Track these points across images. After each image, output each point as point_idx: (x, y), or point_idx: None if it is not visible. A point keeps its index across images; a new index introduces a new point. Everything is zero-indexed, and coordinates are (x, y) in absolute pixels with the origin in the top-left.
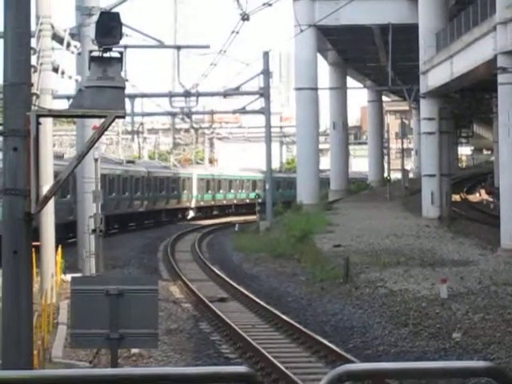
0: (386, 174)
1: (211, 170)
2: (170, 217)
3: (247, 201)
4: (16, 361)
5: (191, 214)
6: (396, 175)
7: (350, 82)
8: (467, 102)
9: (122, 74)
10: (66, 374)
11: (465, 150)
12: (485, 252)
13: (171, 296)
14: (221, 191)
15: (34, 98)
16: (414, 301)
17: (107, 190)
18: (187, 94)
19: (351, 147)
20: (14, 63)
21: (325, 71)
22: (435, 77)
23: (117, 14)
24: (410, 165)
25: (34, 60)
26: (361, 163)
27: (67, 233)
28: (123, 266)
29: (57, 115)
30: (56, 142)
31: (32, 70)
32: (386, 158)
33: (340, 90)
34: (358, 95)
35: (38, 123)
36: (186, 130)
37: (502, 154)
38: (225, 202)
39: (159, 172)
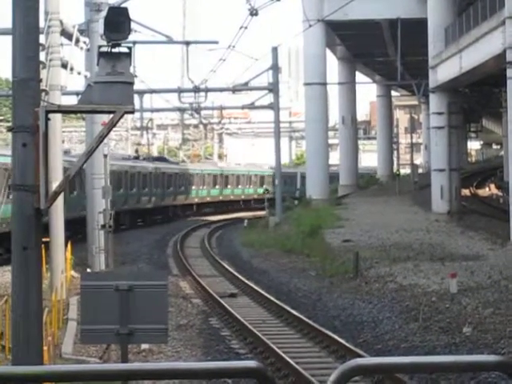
0: (395, 169)
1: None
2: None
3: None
4: (26, 357)
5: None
6: (405, 170)
7: (359, 76)
8: (476, 97)
9: (131, 69)
10: (77, 370)
11: (474, 145)
12: (494, 246)
13: (181, 291)
14: (228, 186)
15: (43, 94)
16: (423, 295)
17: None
18: (196, 90)
19: (360, 142)
20: (22, 59)
21: (334, 66)
22: (444, 71)
23: (125, 10)
24: (419, 159)
25: (42, 56)
26: (370, 158)
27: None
28: (133, 262)
29: (66, 111)
30: (65, 139)
31: (41, 66)
32: (395, 152)
33: (349, 85)
34: (367, 90)
35: (47, 119)
36: (195, 126)
37: (511, 148)
38: (232, 198)
39: (167, 168)
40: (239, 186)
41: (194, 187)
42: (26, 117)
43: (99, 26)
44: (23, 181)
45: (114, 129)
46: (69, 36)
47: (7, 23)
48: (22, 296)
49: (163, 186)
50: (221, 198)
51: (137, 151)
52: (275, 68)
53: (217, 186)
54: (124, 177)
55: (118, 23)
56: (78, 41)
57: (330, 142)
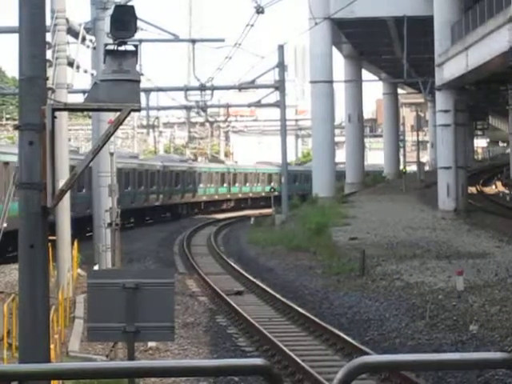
0: (401, 167)
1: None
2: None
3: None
4: (33, 355)
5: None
6: (412, 168)
7: (365, 74)
8: (483, 94)
9: (137, 67)
10: (83, 367)
11: (480, 143)
12: (501, 244)
13: (187, 289)
14: (236, 184)
15: (50, 92)
16: (430, 293)
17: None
18: (202, 88)
19: (367, 140)
20: (29, 57)
21: (340, 64)
22: (450, 69)
23: (131, 8)
24: (425, 157)
25: (49, 54)
26: (376, 156)
27: None
28: (139, 260)
29: (72, 109)
30: (72, 137)
31: (47, 64)
32: (401, 150)
33: (355, 83)
34: (374, 88)
35: (54, 117)
36: (202, 124)
37: None
38: (240, 196)
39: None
40: (247, 184)
41: (201, 185)
42: (33, 115)
43: (105, 24)
44: (30, 179)
45: (121, 127)
46: (75, 34)
47: (14, 22)
48: (28, 294)
49: (171, 183)
50: (228, 196)
51: (195, 155)
52: (281, 66)
53: (225, 184)
54: (132, 175)
55: (124, 21)
56: (84, 39)
57: (337, 139)
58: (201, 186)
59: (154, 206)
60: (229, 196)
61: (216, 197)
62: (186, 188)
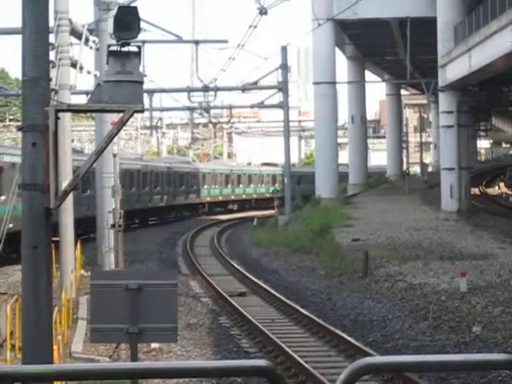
0: (404, 168)
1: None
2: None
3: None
4: (36, 356)
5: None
6: (415, 169)
7: (369, 75)
8: (486, 95)
9: (141, 68)
10: (86, 369)
11: (483, 144)
12: (504, 245)
13: (190, 291)
14: (240, 185)
15: (53, 93)
16: (433, 294)
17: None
18: (205, 89)
19: (370, 141)
20: (32, 58)
21: (343, 65)
22: (453, 70)
23: (135, 9)
24: (428, 158)
25: (52, 56)
26: (379, 157)
27: None
28: (142, 261)
29: (75, 110)
30: (75, 138)
31: (50, 65)
32: (404, 151)
33: (358, 84)
34: (377, 89)
35: (57, 118)
36: (205, 125)
37: None
38: (244, 197)
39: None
40: (251, 185)
41: (205, 186)
42: (36, 116)
43: (108, 26)
44: (33, 180)
45: (124, 128)
46: (78, 35)
47: (17, 23)
48: (31, 295)
49: (175, 184)
50: (233, 197)
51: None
52: (284, 67)
53: (229, 185)
54: (136, 176)
55: (127, 22)
56: (87, 40)
57: (340, 140)
58: (205, 187)
59: (158, 207)
60: (233, 197)
61: (220, 198)
62: (190, 189)
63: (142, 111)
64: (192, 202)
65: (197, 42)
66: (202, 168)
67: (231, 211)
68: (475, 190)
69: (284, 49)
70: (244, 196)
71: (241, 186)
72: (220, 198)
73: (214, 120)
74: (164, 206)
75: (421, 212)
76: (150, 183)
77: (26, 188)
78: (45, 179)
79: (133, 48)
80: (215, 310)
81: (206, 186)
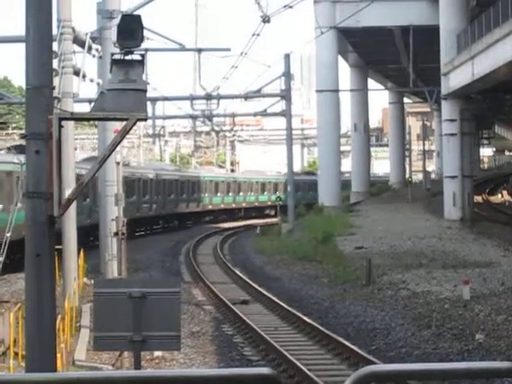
0: (407, 176)
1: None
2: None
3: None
4: (39, 364)
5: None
6: (418, 177)
7: (371, 83)
8: (489, 103)
9: (144, 76)
10: (90, 377)
11: (486, 152)
12: (507, 253)
13: (193, 299)
14: (241, 193)
15: (56, 101)
16: (436, 302)
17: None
18: (208, 97)
19: (372, 149)
20: (35, 67)
21: (346, 73)
22: (456, 78)
23: (138, 17)
24: (431, 166)
25: (55, 64)
26: (382, 165)
27: None
28: (145, 269)
29: (79, 118)
30: (77, 146)
31: (53, 73)
32: (407, 159)
33: (361, 92)
34: (379, 97)
35: (61, 126)
36: (207, 133)
37: None
38: (244, 205)
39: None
40: (252, 193)
41: (207, 194)
42: (39, 124)
43: (111, 34)
44: (36, 188)
45: (127, 136)
46: (81, 43)
47: (20, 31)
48: (35, 303)
49: (176, 193)
50: (234, 205)
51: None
52: (287, 75)
53: (230, 193)
54: (137, 184)
55: (130, 31)
56: (90, 48)
57: (342, 148)
58: (206, 195)
59: (160, 215)
60: (234, 205)
61: (222, 206)
62: (191, 197)
63: (145, 119)
64: (194, 210)
65: (199, 50)
66: (203, 176)
67: (234, 219)
68: (478, 198)
69: (287, 57)
70: (244, 204)
71: (241, 194)
72: (222, 206)
73: (216, 128)
74: (165, 214)
75: (424, 220)
76: (151, 191)
77: (30, 196)
78: (48, 187)
79: (136, 56)
80: (218, 318)
81: (207, 194)
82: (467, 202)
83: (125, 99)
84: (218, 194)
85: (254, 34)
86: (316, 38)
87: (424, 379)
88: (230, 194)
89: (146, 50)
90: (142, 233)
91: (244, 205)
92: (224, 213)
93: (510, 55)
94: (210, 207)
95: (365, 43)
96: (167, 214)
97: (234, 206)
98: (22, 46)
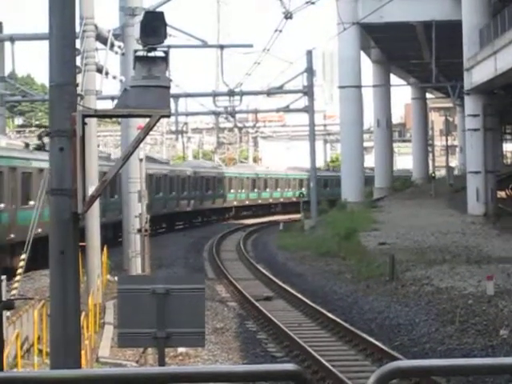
0: (430, 171)
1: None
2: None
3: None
4: (64, 360)
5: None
6: (441, 172)
7: (394, 79)
8: None
9: (167, 73)
10: (114, 373)
11: (510, 147)
12: None
13: (217, 295)
14: (267, 190)
15: (79, 98)
16: (460, 298)
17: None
18: (231, 93)
19: (395, 145)
20: (59, 64)
21: (368, 69)
22: (479, 73)
23: (161, 14)
24: (454, 162)
25: (78, 61)
26: (405, 160)
27: None
28: (169, 266)
29: (102, 115)
30: (100, 143)
31: (76, 70)
32: (430, 155)
33: (384, 88)
34: (402, 92)
35: (84, 123)
36: (230, 129)
37: None
38: (271, 201)
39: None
40: (278, 189)
41: (232, 190)
42: (63, 121)
43: (134, 31)
44: (60, 185)
45: (150, 133)
46: (104, 40)
47: (44, 29)
48: (59, 300)
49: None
50: (260, 201)
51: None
52: (310, 71)
53: (255, 190)
54: (163, 180)
55: (154, 27)
56: (112, 45)
57: (365, 144)
58: (231, 191)
59: (185, 211)
60: (260, 201)
61: (247, 202)
62: (217, 193)
63: (168, 116)
64: (219, 206)
65: (222, 47)
66: (228, 172)
67: (258, 215)
68: (501, 194)
69: (309, 53)
70: (271, 200)
71: (268, 190)
72: (247, 202)
73: (239, 124)
74: (204, 209)
75: (447, 216)
76: (177, 188)
77: (54, 193)
78: (72, 184)
79: (159, 53)
80: (242, 315)
81: (232, 191)
82: (490, 198)
83: (148, 96)
84: (255, 190)
85: (276, 30)
86: (338, 34)
87: (448, 375)
88: (268, 190)
89: (169, 46)
90: (181, 226)
91: (282, 200)
92: (261, 208)
93: None
94: (247, 202)
95: (387, 39)
96: (205, 208)
97: (271, 201)
98: (45, 44)
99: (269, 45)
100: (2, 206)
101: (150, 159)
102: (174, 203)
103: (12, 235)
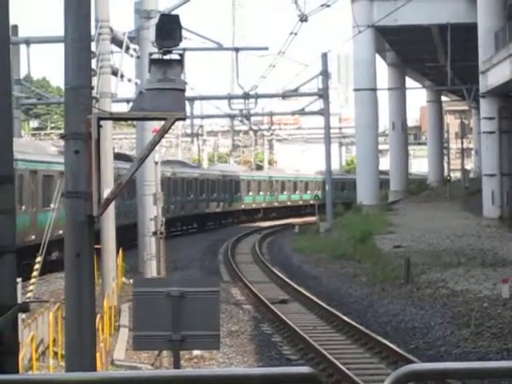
0: (445, 174)
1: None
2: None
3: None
4: (80, 363)
5: None
6: (456, 175)
7: (409, 82)
8: None
9: (182, 76)
10: (130, 376)
11: None
12: None
13: (232, 298)
14: (296, 192)
15: (94, 101)
16: (475, 301)
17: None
18: (246, 96)
19: (410, 147)
20: (74, 67)
21: (383, 72)
22: (495, 76)
23: (176, 17)
24: (469, 165)
25: (93, 64)
26: (420, 163)
27: None
28: (184, 268)
29: (118, 118)
30: (116, 146)
31: (92, 73)
32: (445, 158)
33: (399, 91)
34: (417, 95)
35: (100, 126)
36: (245, 132)
37: None
38: (301, 203)
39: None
40: (296, 192)
41: (251, 193)
42: (78, 124)
43: (149, 33)
44: (76, 187)
45: (165, 135)
46: (119, 43)
47: (59, 31)
48: (75, 303)
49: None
50: (276, 204)
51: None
52: (325, 74)
53: (297, 192)
54: (180, 183)
55: (169, 30)
56: (128, 48)
57: (381, 147)
58: (275, 193)
59: (204, 213)
60: (276, 204)
61: (288, 203)
62: (235, 196)
63: (184, 119)
64: (260, 206)
65: (237, 50)
66: (245, 175)
67: (273, 218)
68: None
69: (324, 55)
70: (289, 203)
71: (285, 192)
72: (288, 203)
73: (254, 127)
74: (233, 210)
75: (462, 218)
76: (196, 191)
77: (69, 196)
78: (87, 187)
79: (175, 56)
80: (257, 317)
81: (251, 193)
82: (506, 201)
83: (163, 99)
84: (285, 193)
85: (291, 33)
86: (353, 37)
87: (464, 378)
88: (297, 193)
89: (184, 49)
90: (212, 227)
91: (301, 202)
92: (290, 209)
93: None
94: (276, 204)
95: (402, 41)
96: (234, 210)
97: (300, 203)
98: (60, 47)
99: (284, 47)
100: (23, 208)
101: (182, 163)
102: (204, 204)
103: (32, 237)
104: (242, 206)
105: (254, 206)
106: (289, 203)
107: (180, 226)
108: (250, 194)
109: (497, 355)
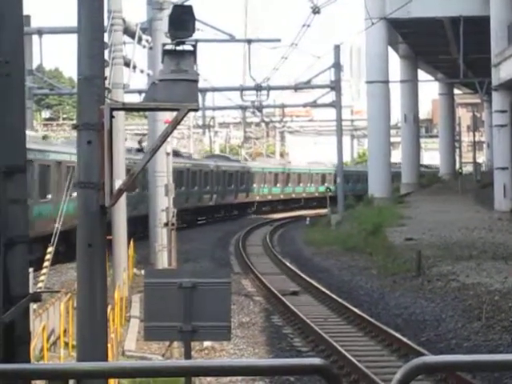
0: (457, 167)
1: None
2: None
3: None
4: (91, 353)
5: None
6: (468, 168)
7: (421, 74)
8: None
9: (195, 67)
10: (141, 366)
11: None
12: None
13: (243, 289)
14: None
15: (106, 92)
16: (486, 294)
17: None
18: (258, 88)
19: (422, 140)
20: (87, 58)
21: (396, 64)
22: (507, 69)
23: (190, 7)
24: (481, 158)
25: (105, 54)
26: (432, 156)
27: None
28: (195, 260)
29: (130, 108)
30: (127, 136)
31: (104, 64)
32: (457, 150)
33: (411, 83)
34: (429, 88)
35: (112, 116)
36: (257, 124)
37: None
38: (317, 195)
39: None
40: (312, 185)
41: (265, 185)
42: (91, 114)
43: (162, 24)
44: (88, 178)
45: (177, 127)
46: (131, 34)
47: (72, 22)
48: (86, 293)
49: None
50: (293, 195)
51: None
52: (337, 66)
53: (289, 184)
54: (186, 175)
55: (182, 21)
56: (140, 39)
57: (392, 140)
58: (255, 186)
59: (208, 206)
60: (293, 195)
61: (303, 195)
62: (240, 188)
63: (196, 110)
64: (242, 200)
65: (249, 41)
66: (253, 167)
67: (283, 210)
68: None
69: (337, 48)
70: (304, 194)
71: (301, 184)
72: (281, 197)
73: (266, 119)
74: (261, 200)
75: (474, 212)
76: (200, 182)
77: (81, 186)
78: (100, 177)
79: (188, 47)
80: (268, 309)
81: (255, 185)
82: None
83: (176, 90)
84: (301, 185)
85: (304, 25)
86: (366, 29)
87: (474, 371)
88: (312, 185)
89: (197, 40)
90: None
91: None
92: (311, 200)
93: None
94: (293, 196)
95: (415, 34)
96: (263, 200)
97: (316, 194)
98: (72, 37)
99: (296, 39)
100: (49, 196)
101: (225, 158)
102: (220, 196)
103: (57, 225)
104: (257, 198)
105: (269, 197)
106: (304, 195)
107: (223, 213)
108: (266, 185)
109: (508, 348)
